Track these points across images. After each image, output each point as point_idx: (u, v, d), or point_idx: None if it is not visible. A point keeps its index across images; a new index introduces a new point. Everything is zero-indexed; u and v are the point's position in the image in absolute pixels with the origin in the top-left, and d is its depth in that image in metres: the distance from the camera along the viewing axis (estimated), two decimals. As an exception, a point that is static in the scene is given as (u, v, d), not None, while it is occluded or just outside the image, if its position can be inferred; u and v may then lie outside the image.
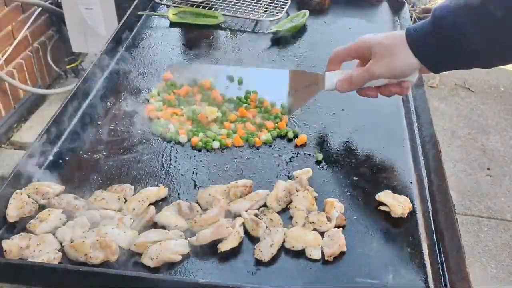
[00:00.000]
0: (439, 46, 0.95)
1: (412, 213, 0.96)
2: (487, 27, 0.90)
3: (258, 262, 0.86)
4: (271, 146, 1.13)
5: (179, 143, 1.13)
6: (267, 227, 0.91)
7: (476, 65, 0.99)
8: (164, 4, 1.73)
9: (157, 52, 1.49)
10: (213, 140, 1.13)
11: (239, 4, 1.70)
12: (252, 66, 1.42)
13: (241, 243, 0.89)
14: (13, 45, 2.65)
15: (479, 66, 0.99)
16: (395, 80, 1.06)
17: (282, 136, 1.15)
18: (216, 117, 1.18)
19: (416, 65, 0.99)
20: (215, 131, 1.16)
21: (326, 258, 0.86)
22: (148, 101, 1.26)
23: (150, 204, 0.96)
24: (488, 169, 2.67)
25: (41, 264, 0.82)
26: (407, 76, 1.04)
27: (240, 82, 1.32)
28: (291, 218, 0.94)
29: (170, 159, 1.09)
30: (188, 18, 1.64)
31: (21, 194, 0.95)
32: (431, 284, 0.84)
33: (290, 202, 0.97)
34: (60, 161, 1.08)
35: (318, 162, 1.08)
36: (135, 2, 1.65)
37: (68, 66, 3.05)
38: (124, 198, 0.97)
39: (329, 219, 0.92)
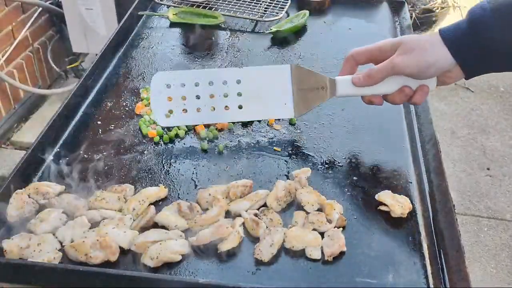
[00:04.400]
0: (477, 47, 0.92)
1: (412, 213, 0.96)
2: None
3: (258, 262, 0.86)
4: (271, 146, 1.13)
5: (178, 139, 1.14)
6: (267, 227, 0.91)
7: None
8: (164, 4, 1.73)
9: (157, 52, 1.49)
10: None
11: (239, 4, 1.70)
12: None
13: (241, 243, 0.89)
14: (13, 45, 2.65)
15: None
16: (413, 83, 1.01)
17: (283, 137, 1.16)
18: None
19: (448, 63, 0.95)
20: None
21: (326, 258, 0.86)
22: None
23: (150, 204, 0.96)
24: (488, 169, 2.67)
25: (41, 264, 0.82)
26: (433, 75, 0.98)
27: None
28: (291, 218, 0.94)
29: (170, 159, 1.09)
30: (188, 18, 1.64)
31: (21, 194, 0.95)
32: (431, 284, 0.84)
33: (292, 202, 0.97)
34: (60, 161, 1.08)
35: (317, 166, 1.08)
36: (135, 2, 1.65)
37: (68, 66, 3.05)
38: (124, 198, 0.97)
39: (329, 221, 0.92)
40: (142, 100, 1.26)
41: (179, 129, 1.16)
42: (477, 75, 0.99)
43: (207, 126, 1.17)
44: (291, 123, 1.20)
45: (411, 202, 0.97)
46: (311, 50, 1.50)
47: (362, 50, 1.04)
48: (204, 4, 1.69)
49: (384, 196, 0.96)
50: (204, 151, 1.11)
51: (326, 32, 1.62)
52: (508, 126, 2.97)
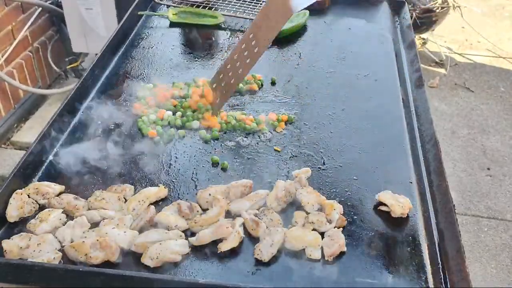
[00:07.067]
0: None
1: (412, 213, 0.96)
2: None
3: (258, 262, 0.86)
4: (271, 146, 1.13)
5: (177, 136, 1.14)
6: (267, 227, 0.91)
7: None
8: (164, 4, 1.73)
9: (157, 52, 1.49)
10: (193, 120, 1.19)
11: (239, 4, 1.70)
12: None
13: (241, 243, 0.89)
14: (13, 45, 2.65)
15: None
16: None
17: (281, 134, 1.16)
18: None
19: None
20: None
21: (326, 258, 0.86)
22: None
23: (150, 204, 0.96)
24: (488, 169, 2.67)
25: (41, 264, 0.82)
26: None
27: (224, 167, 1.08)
28: (291, 218, 0.94)
29: (170, 159, 1.09)
30: (188, 18, 1.64)
31: (21, 194, 0.95)
32: (431, 284, 0.84)
33: (292, 202, 0.97)
34: (60, 161, 1.08)
35: (318, 164, 1.08)
36: (135, 2, 1.65)
37: (68, 66, 3.05)
38: (124, 198, 0.97)
39: (329, 221, 0.92)
40: (139, 99, 1.26)
41: (178, 129, 1.16)
42: None
43: (207, 128, 1.18)
44: (290, 121, 1.20)
45: (411, 202, 0.97)
46: (311, 50, 1.50)
47: None
48: (204, 4, 1.69)
49: (384, 196, 0.96)
50: (205, 144, 1.12)
51: (326, 32, 1.62)
52: (508, 126, 2.97)
